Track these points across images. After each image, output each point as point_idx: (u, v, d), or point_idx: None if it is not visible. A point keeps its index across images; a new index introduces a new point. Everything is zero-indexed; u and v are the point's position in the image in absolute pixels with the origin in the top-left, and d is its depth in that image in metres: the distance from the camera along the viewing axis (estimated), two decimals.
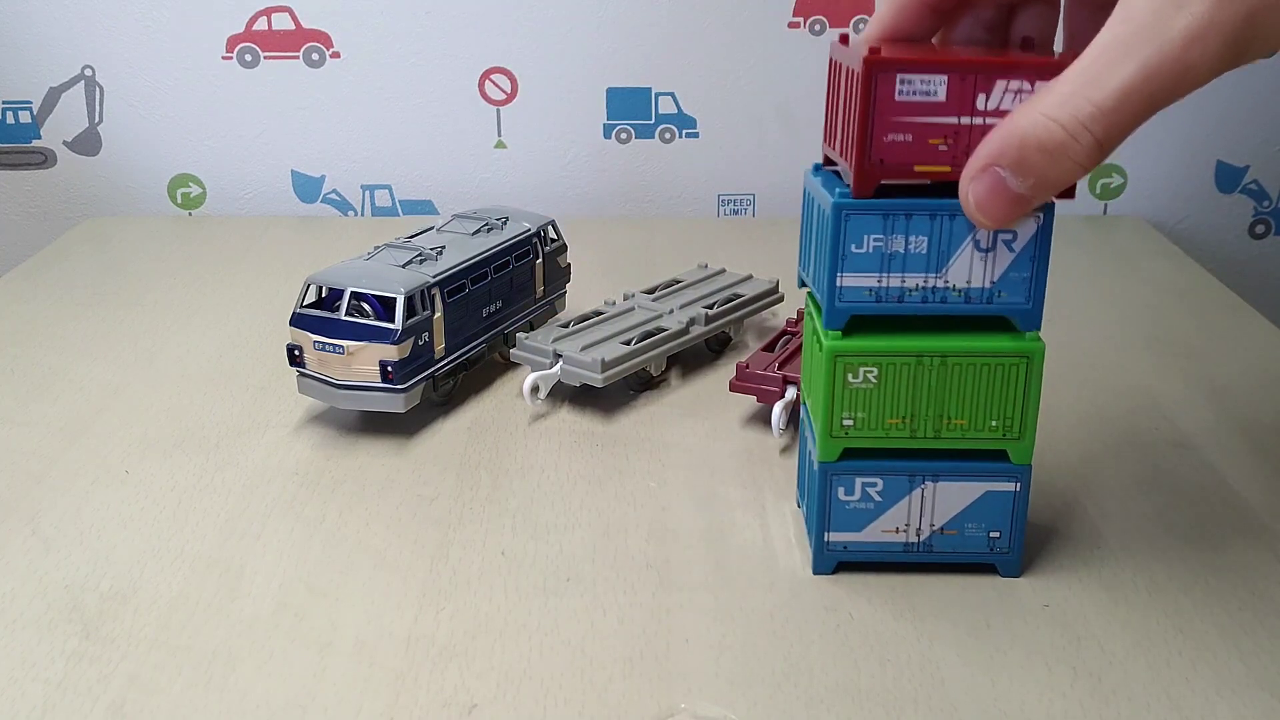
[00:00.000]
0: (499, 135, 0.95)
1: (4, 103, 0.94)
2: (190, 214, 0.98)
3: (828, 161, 0.44)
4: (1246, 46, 0.34)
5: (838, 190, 0.40)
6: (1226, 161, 0.95)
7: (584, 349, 0.59)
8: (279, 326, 0.59)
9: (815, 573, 0.46)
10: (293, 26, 0.92)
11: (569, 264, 0.69)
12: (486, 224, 0.65)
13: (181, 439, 0.58)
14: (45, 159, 0.96)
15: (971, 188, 0.38)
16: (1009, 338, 0.42)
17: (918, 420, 0.43)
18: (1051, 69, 0.37)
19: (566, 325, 0.62)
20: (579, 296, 0.72)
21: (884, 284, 0.41)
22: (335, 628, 0.44)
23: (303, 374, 0.57)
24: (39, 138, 0.95)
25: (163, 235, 0.91)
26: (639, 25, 0.92)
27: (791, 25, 0.92)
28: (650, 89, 0.94)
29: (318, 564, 0.48)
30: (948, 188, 0.39)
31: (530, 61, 0.93)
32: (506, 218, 0.66)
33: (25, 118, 0.95)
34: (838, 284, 0.41)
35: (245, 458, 0.56)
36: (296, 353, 0.57)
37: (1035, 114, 0.36)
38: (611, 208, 0.97)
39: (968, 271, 0.41)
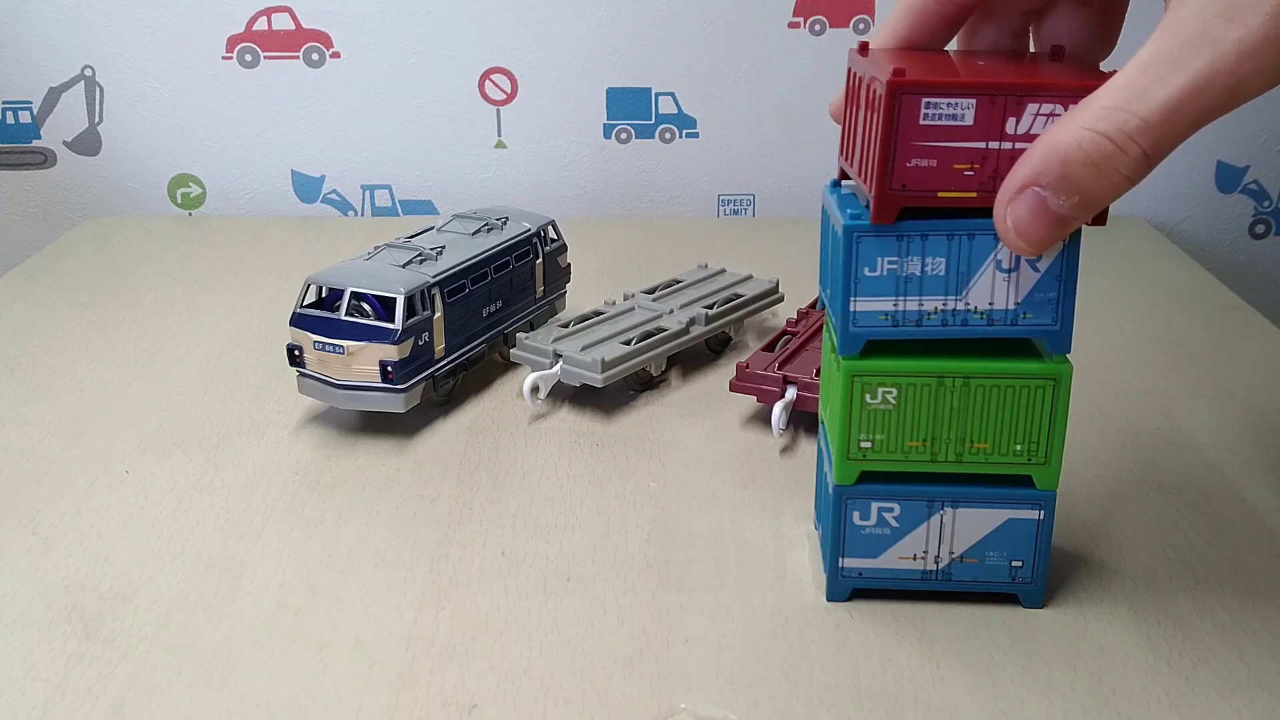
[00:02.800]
0: (499, 135, 0.95)
1: (4, 103, 0.94)
2: (190, 214, 0.98)
3: (844, 175, 0.42)
4: None
5: (849, 212, 0.39)
6: (1227, 162, 0.95)
7: (584, 349, 0.59)
8: (279, 326, 0.59)
9: (829, 599, 0.44)
10: (293, 26, 0.92)
11: (569, 264, 0.69)
12: (486, 224, 0.65)
13: (181, 439, 0.58)
14: (45, 159, 0.96)
15: (1010, 211, 0.36)
16: (1035, 359, 0.40)
17: (938, 443, 0.41)
18: (1087, 92, 0.35)
19: (566, 325, 0.62)
20: (579, 296, 0.72)
21: (900, 308, 0.39)
22: (335, 628, 0.44)
23: (303, 374, 0.57)
24: (39, 138, 0.95)
25: (163, 235, 0.91)
26: (639, 25, 0.92)
27: (791, 25, 0.92)
28: (650, 89, 0.94)
29: (318, 564, 0.48)
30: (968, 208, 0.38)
31: (530, 61, 0.93)
32: (506, 218, 0.66)
33: (25, 118, 0.95)
34: (851, 309, 0.39)
35: (245, 458, 0.56)
36: (296, 353, 0.57)
37: (1075, 128, 0.34)
38: (611, 208, 0.97)
39: (990, 293, 0.39)
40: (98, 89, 0.94)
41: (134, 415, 0.61)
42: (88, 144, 0.95)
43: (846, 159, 0.42)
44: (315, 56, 0.93)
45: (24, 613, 0.45)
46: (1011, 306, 0.39)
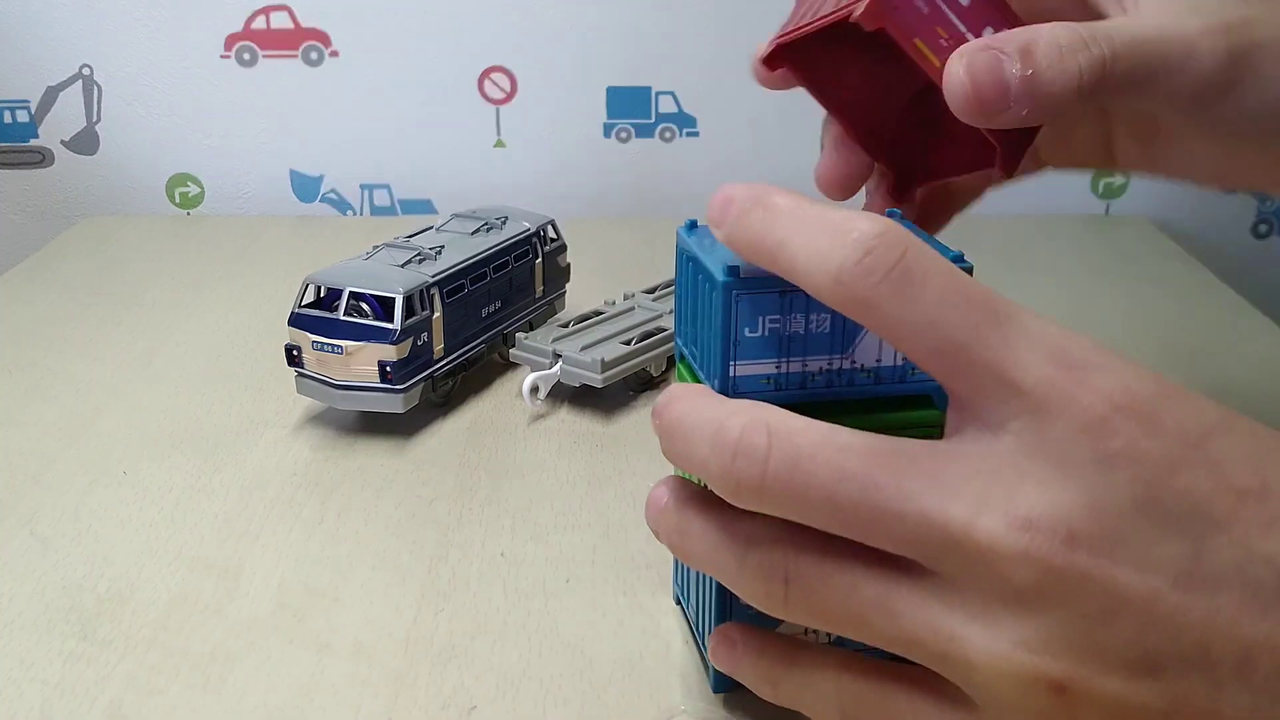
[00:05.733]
0: (499, 135, 0.95)
1: (1, 102, 0.94)
2: (189, 213, 0.97)
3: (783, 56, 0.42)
4: (1242, 72, 0.36)
5: (725, 264, 0.35)
6: None
7: (584, 349, 0.59)
8: (278, 326, 0.59)
9: (716, 691, 0.40)
10: (291, 25, 0.92)
11: (569, 264, 0.69)
12: (486, 224, 0.65)
13: (180, 439, 0.58)
14: (43, 158, 0.96)
15: (967, 59, 0.35)
16: (926, 408, 0.36)
17: None
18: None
19: (566, 325, 0.62)
20: (579, 296, 0.72)
21: (784, 370, 0.35)
22: (334, 629, 0.43)
23: (301, 374, 0.57)
24: (37, 137, 0.95)
25: (161, 235, 0.90)
26: (639, 25, 0.92)
27: None
28: (650, 88, 0.94)
29: (316, 565, 0.47)
30: None
31: (530, 61, 0.93)
32: (506, 217, 0.66)
33: (23, 117, 0.94)
34: (731, 374, 0.35)
35: (244, 458, 0.56)
36: (295, 353, 0.57)
37: (1049, 24, 0.35)
38: (611, 208, 0.97)
39: (877, 350, 0.35)
40: (96, 88, 0.94)
41: (132, 415, 0.60)
42: (86, 143, 0.95)
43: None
44: (314, 55, 0.93)
45: (21, 613, 0.44)
46: (900, 362, 0.36)
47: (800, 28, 0.41)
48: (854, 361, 0.35)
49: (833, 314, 0.34)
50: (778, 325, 0.35)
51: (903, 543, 0.28)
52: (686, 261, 0.39)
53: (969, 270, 0.34)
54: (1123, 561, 0.26)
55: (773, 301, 0.34)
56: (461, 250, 0.61)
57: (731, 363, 0.35)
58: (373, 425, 0.58)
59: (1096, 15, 0.39)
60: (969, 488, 0.27)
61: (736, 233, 0.31)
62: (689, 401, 0.32)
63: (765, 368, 0.35)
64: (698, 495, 0.33)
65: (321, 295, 0.58)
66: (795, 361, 0.35)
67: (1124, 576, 0.26)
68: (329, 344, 0.55)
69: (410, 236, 0.63)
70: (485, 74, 0.93)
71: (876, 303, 0.28)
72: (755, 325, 0.35)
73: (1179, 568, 0.26)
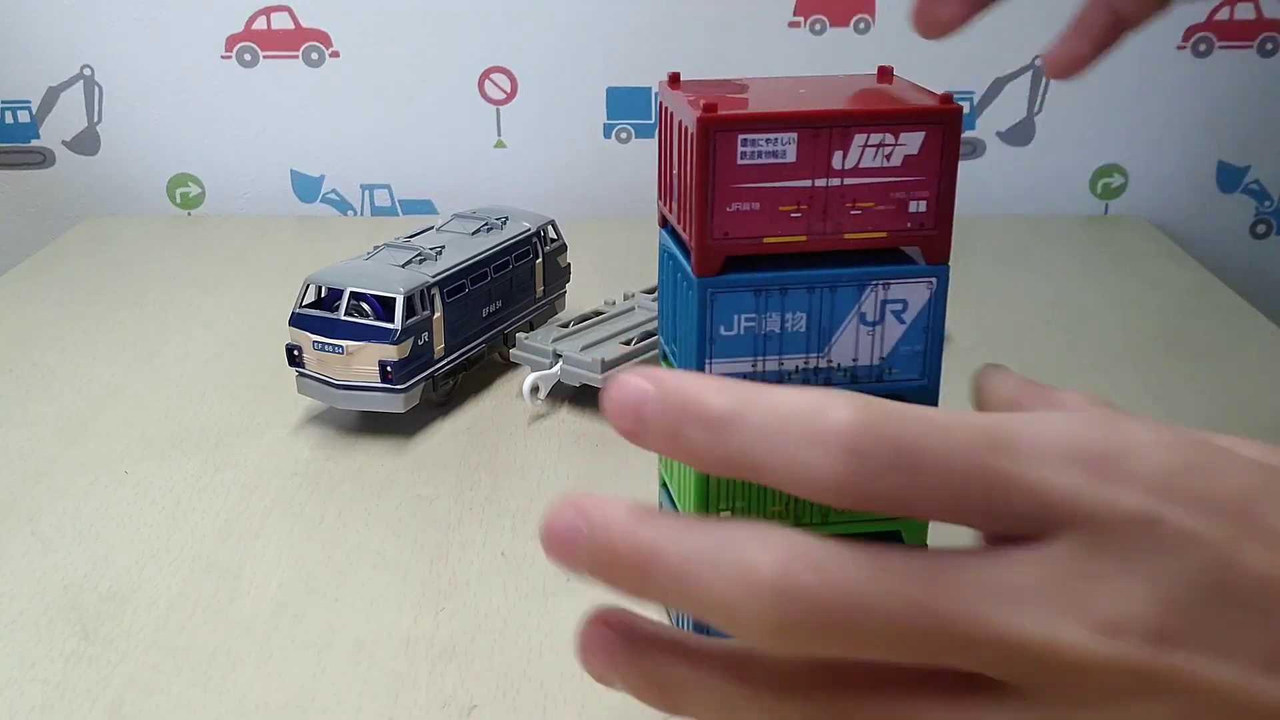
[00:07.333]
0: (499, 135, 0.95)
1: (3, 102, 0.94)
2: (189, 214, 0.98)
3: (665, 221, 0.39)
4: None
5: None
6: (1227, 161, 0.95)
7: (584, 349, 0.59)
8: (278, 326, 0.59)
9: None
10: (292, 26, 0.92)
11: (569, 264, 0.69)
12: (486, 224, 0.65)
13: (180, 439, 0.58)
14: (44, 159, 0.96)
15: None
16: None
17: (801, 506, 0.37)
18: (913, 117, 0.32)
19: (566, 325, 0.62)
20: (579, 296, 0.72)
21: (760, 369, 0.35)
22: (334, 628, 0.43)
23: (302, 374, 0.57)
24: (38, 137, 0.95)
25: (162, 235, 0.90)
26: (639, 25, 0.92)
27: (791, 25, 0.92)
28: (650, 89, 0.94)
29: (317, 564, 0.47)
30: (816, 255, 0.35)
31: (530, 61, 0.93)
32: (506, 217, 0.66)
33: (24, 117, 0.95)
34: (707, 371, 0.35)
35: (244, 458, 0.56)
36: (296, 353, 0.57)
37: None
38: (611, 208, 0.97)
39: (854, 348, 0.35)
40: (96, 88, 0.94)
41: (133, 415, 0.60)
42: (86, 143, 0.95)
43: (665, 204, 0.38)
44: (314, 56, 0.93)
45: (23, 613, 0.44)
46: (876, 362, 0.36)
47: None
48: (830, 360, 0.35)
49: (809, 313, 0.35)
50: (753, 324, 0.35)
51: (977, 665, 0.25)
52: (667, 259, 0.39)
53: (945, 273, 0.34)
54: (1210, 652, 0.25)
55: (748, 300, 0.34)
56: (462, 250, 0.61)
57: (708, 361, 0.35)
58: (373, 425, 0.59)
59: None
60: (1039, 598, 0.25)
61: (688, 458, 0.27)
62: (675, 528, 0.26)
63: (741, 366, 0.35)
64: (664, 634, 0.27)
65: (322, 295, 0.58)
66: (771, 360, 0.35)
67: (1212, 669, 0.25)
68: (330, 344, 0.56)
69: (411, 237, 0.63)
70: (485, 74, 0.93)
71: (887, 496, 0.25)
72: (731, 324, 0.35)
73: (1264, 650, 0.25)
